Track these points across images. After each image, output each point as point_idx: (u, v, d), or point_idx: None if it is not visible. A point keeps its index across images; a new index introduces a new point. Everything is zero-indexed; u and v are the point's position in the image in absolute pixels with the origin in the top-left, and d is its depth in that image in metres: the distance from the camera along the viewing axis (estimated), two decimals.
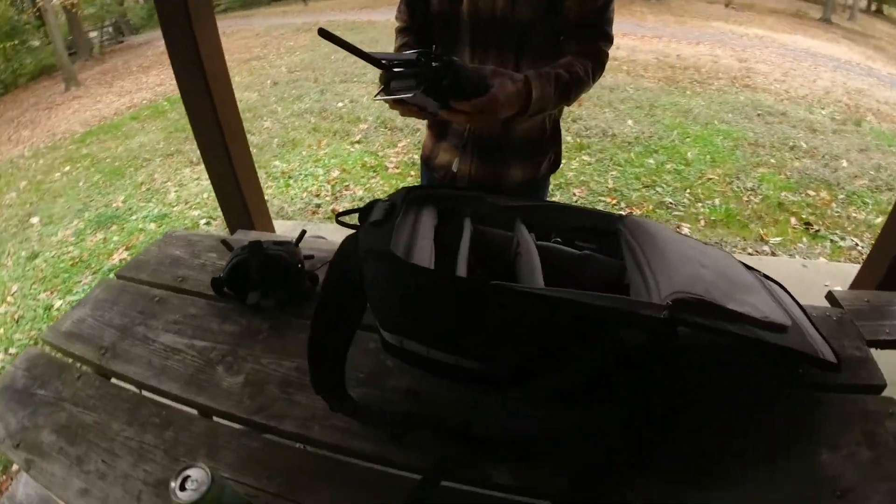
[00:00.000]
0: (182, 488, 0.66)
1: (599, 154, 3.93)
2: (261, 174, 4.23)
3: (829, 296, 1.11)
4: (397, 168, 4.11)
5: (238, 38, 11.38)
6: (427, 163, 1.26)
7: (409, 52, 0.75)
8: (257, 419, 0.89)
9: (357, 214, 0.84)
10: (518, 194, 1.14)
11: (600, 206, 3.20)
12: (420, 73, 0.72)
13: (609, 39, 1.00)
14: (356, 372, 0.91)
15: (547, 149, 1.18)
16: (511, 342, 0.64)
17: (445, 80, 0.73)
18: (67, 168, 5.18)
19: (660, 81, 5.82)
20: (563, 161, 3.67)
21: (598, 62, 0.98)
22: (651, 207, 3.16)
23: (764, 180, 3.50)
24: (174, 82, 1.58)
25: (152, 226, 3.63)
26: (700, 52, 7.50)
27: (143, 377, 1.03)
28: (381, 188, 3.79)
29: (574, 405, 0.69)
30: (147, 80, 8.78)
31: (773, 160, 3.81)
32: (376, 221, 0.77)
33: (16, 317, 2.96)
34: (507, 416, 0.74)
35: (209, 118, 1.58)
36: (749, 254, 2.70)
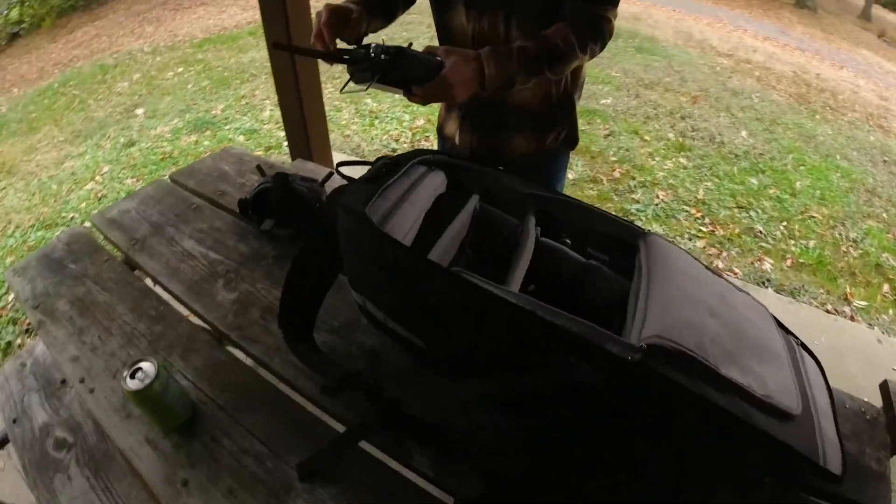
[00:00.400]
0: (132, 377, 0.71)
1: (699, 160, 3.60)
2: (350, 110, 4.38)
3: (884, 386, 0.93)
4: None
5: None
6: (439, 132, 1.23)
7: (364, 45, 0.79)
8: (233, 336, 0.93)
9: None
10: (523, 167, 1.10)
11: (682, 216, 2.97)
12: (371, 66, 0.76)
13: (606, 5, 0.89)
14: (332, 319, 0.92)
15: (554, 121, 1.10)
16: (454, 334, 0.60)
17: (395, 71, 0.77)
18: (181, 69, 5.58)
19: (790, 97, 5.17)
20: (658, 159, 3.43)
21: (593, 29, 0.89)
22: (737, 231, 2.88)
23: (869, 234, 3.05)
24: None
25: (241, 138, 3.85)
26: (841, 77, 6.55)
27: (157, 273, 1.11)
28: None
29: (512, 414, 0.64)
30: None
31: (885, 215, 3.31)
32: (367, 178, 0.75)
33: (99, 195, 3.30)
34: (448, 405, 0.71)
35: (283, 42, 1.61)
36: (827, 311, 2.39)
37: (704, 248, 2.71)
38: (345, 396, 0.74)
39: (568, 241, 0.83)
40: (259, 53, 5.82)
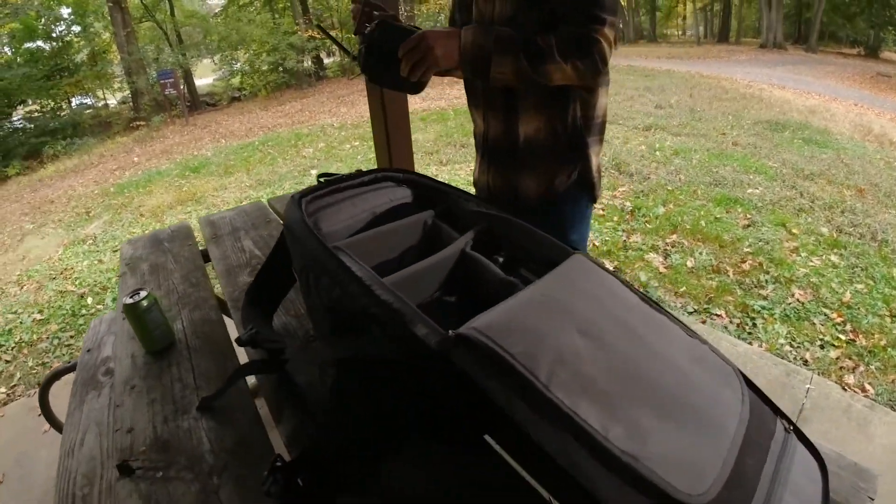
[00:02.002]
0: (130, 297, 0.96)
1: (854, 259, 3.02)
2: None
3: None
4: (604, 211, 3.97)
5: None
6: (474, 184, 1.30)
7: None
8: (228, 305, 1.13)
9: None
10: (535, 210, 1.11)
11: (818, 319, 2.50)
12: (363, 40, 0.88)
13: (597, 20, 0.87)
14: (302, 306, 1.05)
15: (562, 160, 1.08)
16: (321, 300, 0.67)
17: (376, 33, 0.87)
18: (357, 143, 6.65)
19: None
20: (804, 255, 3.00)
21: (578, 45, 0.89)
22: (883, 343, 2.31)
23: None
24: None
25: None
26: None
27: (214, 256, 1.38)
28: None
29: (340, 376, 0.64)
30: (450, 92, 10.37)
31: None
32: (329, 180, 0.89)
33: None
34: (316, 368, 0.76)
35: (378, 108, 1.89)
36: None
37: (838, 358, 2.23)
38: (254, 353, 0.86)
39: (500, 258, 0.84)
40: (422, 135, 6.63)
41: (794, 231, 3.38)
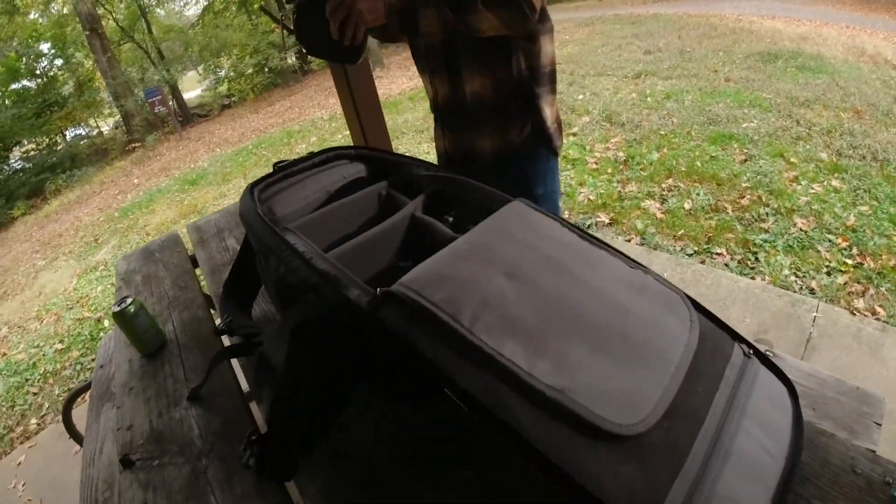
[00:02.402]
0: (118, 305, 1.02)
1: (855, 181, 2.96)
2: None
3: None
4: (597, 164, 3.94)
5: None
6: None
7: None
8: (214, 300, 1.16)
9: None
10: (494, 169, 1.12)
11: (823, 246, 2.47)
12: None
13: None
14: None
15: (512, 113, 1.07)
16: (274, 274, 0.70)
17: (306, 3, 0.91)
18: (347, 133, 6.60)
19: None
20: (804, 183, 2.97)
21: None
22: (892, 263, 2.28)
23: None
24: None
25: None
26: None
27: (200, 257, 1.42)
28: (567, 181, 3.71)
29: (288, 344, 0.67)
30: None
31: None
32: (282, 164, 0.91)
33: None
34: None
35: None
36: None
37: (845, 283, 2.21)
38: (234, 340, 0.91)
39: (450, 218, 0.85)
40: (412, 115, 6.59)
41: (793, 160, 3.32)
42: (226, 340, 1.02)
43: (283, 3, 14.73)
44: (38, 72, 13.66)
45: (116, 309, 1.01)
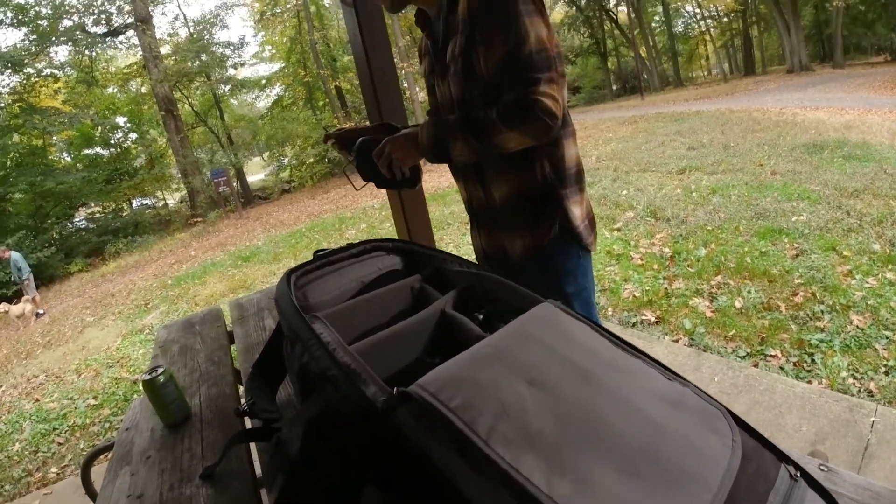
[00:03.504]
0: (149, 374, 1.06)
1: None
2: None
3: None
4: (642, 260, 3.88)
5: None
6: None
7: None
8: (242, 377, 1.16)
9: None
10: (528, 268, 1.13)
11: (881, 344, 2.29)
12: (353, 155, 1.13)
13: (532, 82, 0.91)
14: None
15: (540, 216, 1.10)
16: (296, 362, 0.71)
17: (356, 152, 1.11)
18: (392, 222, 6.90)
19: None
20: (858, 277, 2.83)
21: (517, 108, 0.93)
22: None
23: None
24: None
25: None
26: None
27: (237, 335, 1.45)
28: (611, 277, 3.66)
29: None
30: None
31: None
32: (321, 255, 0.95)
33: None
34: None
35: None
36: None
37: None
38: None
39: (480, 316, 0.85)
40: (458, 207, 6.82)
41: (846, 253, 3.18)
42: (248, 423, 1.02)
43: (344, 103, 16.17)
44: (112, 142, 15.09)
45: (147, 377, 1.04)
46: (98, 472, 1.51)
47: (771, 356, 2.42)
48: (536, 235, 1.12)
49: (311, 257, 0.97)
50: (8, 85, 12.91)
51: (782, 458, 0.60)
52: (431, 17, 1.13)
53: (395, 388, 0.53)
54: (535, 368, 0.56)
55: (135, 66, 15.16)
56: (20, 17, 12.79)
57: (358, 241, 1.03)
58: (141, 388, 1.12)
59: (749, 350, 2.50)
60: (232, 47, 16.13)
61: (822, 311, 2.66)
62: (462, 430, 0.48)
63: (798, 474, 0.58)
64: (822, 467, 0.70)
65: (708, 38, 27.49)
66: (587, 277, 1.18)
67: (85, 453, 2.52)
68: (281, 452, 0.83)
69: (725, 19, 26.07)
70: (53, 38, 13.41)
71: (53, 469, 2.79)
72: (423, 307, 0.92)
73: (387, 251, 1.02)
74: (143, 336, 4.81)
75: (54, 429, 3.25)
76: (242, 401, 1.11)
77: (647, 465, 0.50)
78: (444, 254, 1.00)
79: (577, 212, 1.12)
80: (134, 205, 15.44)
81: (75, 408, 3.50)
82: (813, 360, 2.31)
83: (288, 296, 0.80)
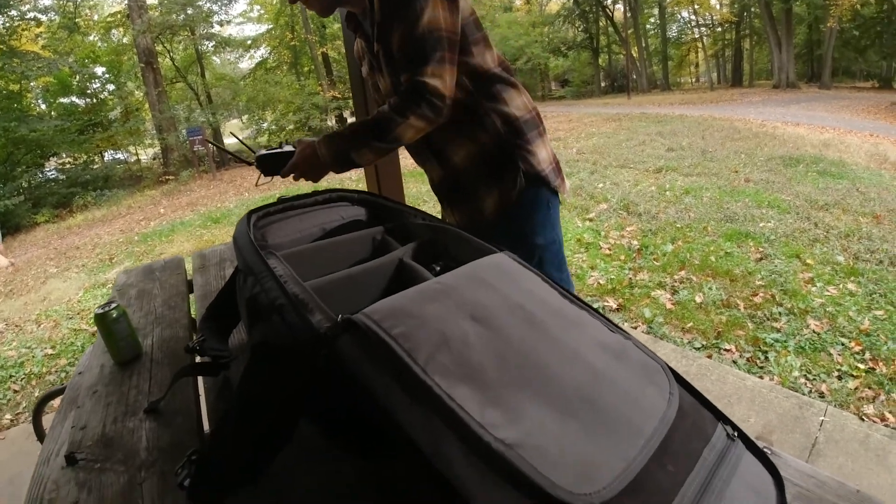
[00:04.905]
0: (102, 309, 1.03)
1: (872, 286, 2.91)
2: None
3: None
4: (610, 250, 3.94)
5: (553, 121, 12.73)
6: None
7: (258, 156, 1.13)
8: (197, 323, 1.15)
9: None
10: (495, 224, 1.15)
11: (835, 349, 2.39)
12: (258, 166, 1.12)
13: (420, 62, 0.94)
14: None
15: (505, 168, 1.12)
16: (246, 291, 0.70)
17: (271, 165, 1.10)
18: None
19: None
20: (819, 285, 2.99)
21: (409, 93, 0.96)
22: None
23: None
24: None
25: None
26: None
27: (196, 283, 1.43)
28: (578, 264, 3.71)
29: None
30: None
31: None
32: (286, 198, 0.94)
33: None
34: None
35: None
36: None
37: (856, 388, 2.12)
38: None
39: (437, 267, 0.85)
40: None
41: (809, 261, 3.30)
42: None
43: (329, 71, 15.81)
44: (88, 91, 14.46)
45: (99, 311, 1.02)
46: (50, 419, 1.48)
47: (725, 350, 2.50)
48: (504, 190, 1.12)
49: (264, 205, 0.95)
50: None
51: (720, 417, 0.61)
52: (360, 18, 1.13)
53: (339, 316, 0.53)
54: (481, 307, 0.57)
55: (118, 15, 14.54)
56: None
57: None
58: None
59: (704, 343, 2.58)
60: (220, 3, 15.51)
61: (780, 313, 2.76)
62: (402, 356, 0.48)
63: (736, 434, 0.59)
64: (766, 449, 0.73)
65: (700, 45, 27.74)
66: (556, 230, 1.20)
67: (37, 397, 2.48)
68: (227, 390, 0.82)
69: (719, 29, 26.35)
70: None
71: (7, 416, 2.75)
72: (373, 256, 0.92)
73: (352, 202, 1.01)
74: (105, 290, 4.68)
75: (10, 376, 3.20)
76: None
77: (583, 407, 0.51)
78: (409, 208, 1.00)
79: (541, 154, 1.13)
80: (106, 158, 14.85)
81: (33, 356, 3.43)
82: (766, 358, 2.40)
83: (246, 233, 0.79)
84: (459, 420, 0.44)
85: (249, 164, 1.15)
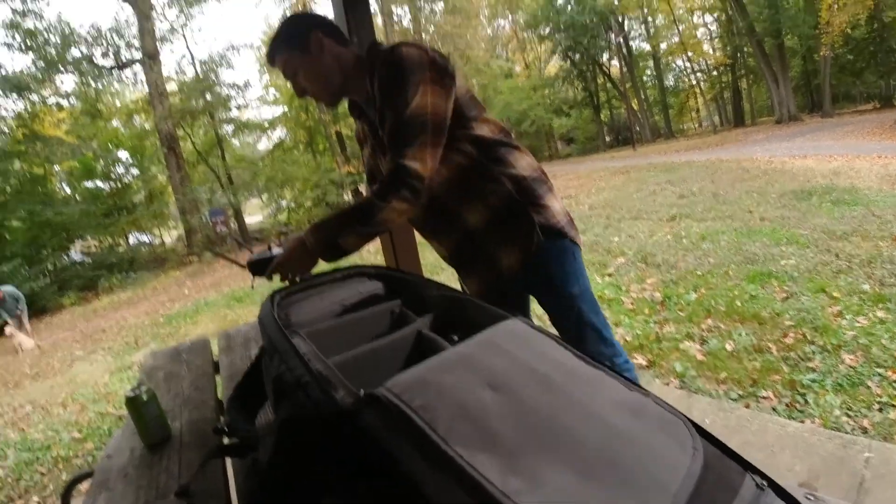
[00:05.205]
0: (132, 391, 1.07)
1: None
2: None
3: None
4: (633, 305, 3.89)
5: (562, 180, 13.02)
6: None
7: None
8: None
9: None
10: (523, 279, 1.17)
11: (873, 381, 2.29)
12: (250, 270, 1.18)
13: (402, 145, 0.99)
14: None
15: (519, 224, 1.14)
16: (272, 370, 0.72)
17: (260, 269, 1.15)
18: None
19: None
20: (848, 317, 2.92)
21: (390, 179, 1.00)
22: None
23: None
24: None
25: None
26: None
27: (223, 364, 1.46)
28: None
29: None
30: None
31: None
32: (305, 277, 0.99)
33: None
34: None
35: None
36: None
37: None
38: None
39: (455, 337, 0.87)
40: None
41: (835, 294, 3.22)
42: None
43: (343, 148, 16.58)
44: (112, 176, 15.05)
45: (130, 394, 1.05)
46: (80, 502, 1.48)
47: (763, 397, 2.40)
48: (524, 245, 1.14)
49: (286, 286, 1.00)
50: (13, 110, 12.91)
51: (748, 467, 0.60)
52: (362, 105, 1.20)
53: (362, 391, 0.55)
54: (498, 374, 0.58)
55: (140, 102, 15.41)
56: (28, 42, 12.80)
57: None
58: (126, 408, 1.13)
59: (741, 392, 2.49)
60: (237, 88, 16.57)
61: (814, 352, 2.66)
62: (422, 428, 0.49)
63: (765, 483, 0.59)
64: (807, 496, 0.70)
65: (698, 90, 28.52)
66: (585, 277, 1.22)
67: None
68: (256, 471, 0.83)
69: (715, 73, 27.14)
70: (60, 67, 13.49)
71: (35, 498, 2.76)
72: (389, 331, 0.94)
73: (369, 276, 1.05)
74: (131, 373, 4.74)
75: (37, 458, 3.24)
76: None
77: (605, 468, 0.51)
78: (425, 280, 1.04)
79: (555, 207, 1.16)
80: (130, 240, 15.39)
81: (60, 440, 3.46)
82: (805, 400, 2.30)
83: (270, 313, 0.83)
84: (482, 489, 0.45)
85: (243, 266, 1.21)
